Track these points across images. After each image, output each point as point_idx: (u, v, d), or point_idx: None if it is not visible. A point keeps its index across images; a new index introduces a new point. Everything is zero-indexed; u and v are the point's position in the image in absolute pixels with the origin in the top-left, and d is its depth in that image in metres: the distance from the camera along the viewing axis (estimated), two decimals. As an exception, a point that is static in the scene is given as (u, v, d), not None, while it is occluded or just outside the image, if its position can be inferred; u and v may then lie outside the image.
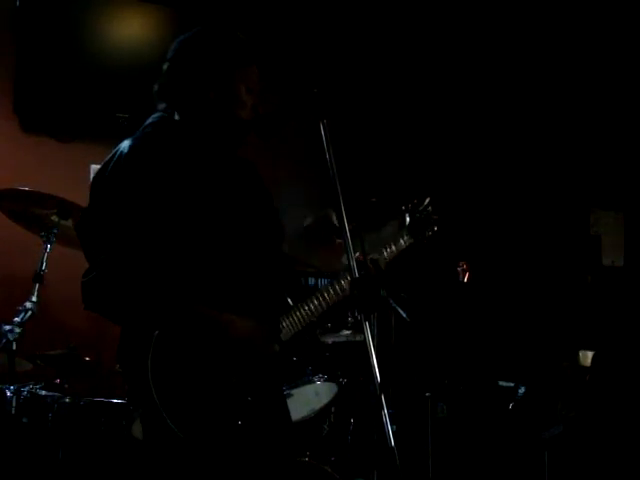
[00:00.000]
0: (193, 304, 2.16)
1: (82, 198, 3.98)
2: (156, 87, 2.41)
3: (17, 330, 3.28)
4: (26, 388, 3.25)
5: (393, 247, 2.58)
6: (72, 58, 4.36)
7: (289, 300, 2.42)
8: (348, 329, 3.75)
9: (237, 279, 2.28)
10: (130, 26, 4.55)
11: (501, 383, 4.81)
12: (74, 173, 4.45)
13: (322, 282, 4.55)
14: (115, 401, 3.25)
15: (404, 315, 3.71)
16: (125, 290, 2.11)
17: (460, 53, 5.73)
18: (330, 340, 3.80)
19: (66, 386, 3.48)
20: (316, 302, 2.41)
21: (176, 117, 2.37)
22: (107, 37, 4.47)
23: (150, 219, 2.16)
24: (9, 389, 3.20)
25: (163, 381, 2.12)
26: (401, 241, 2.59)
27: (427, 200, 2.65)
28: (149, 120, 2.39)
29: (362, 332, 2.19)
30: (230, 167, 2.41)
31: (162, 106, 2.39)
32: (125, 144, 2.24)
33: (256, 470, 2.28)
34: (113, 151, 2.25)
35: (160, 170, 2.21)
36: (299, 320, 2.39)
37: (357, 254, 2.21)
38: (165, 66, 2.39)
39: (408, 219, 2.61)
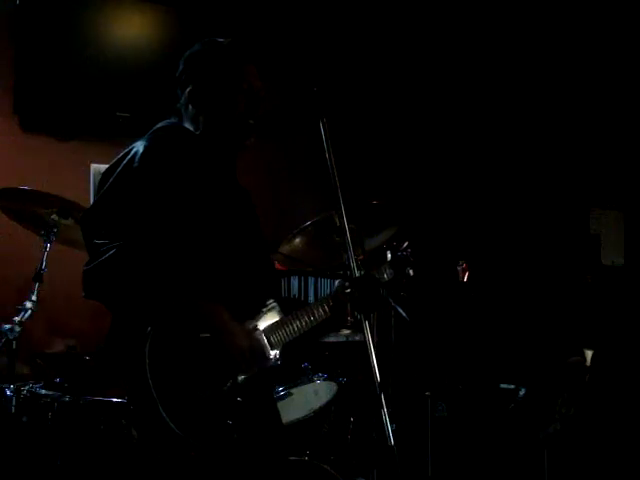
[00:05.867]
0: (189, 296, 2.21)
1: (82, 197, 4.01)
2: (166, 99, 2.54)
3: (17, 329, 3.29)
4: (26, 387, 3.25)
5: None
6: (72, 57, 4.35)
7: (277, 308, 2.46)
8: (348, 328, 3.76)
9: (225, 280, 2.35)
10: (130, 25, 4.55)
11: (502, 385, 4.81)
12: (74, 173, 4.45)
13: (322, 282, 4.56)
14: (115, 400, 3.25)
15: (404, 315, 3.71)
16: (124, 279, 2.16)
17: (460, 53, 5.74)
18: (330, 339, 3.80)
19: (66, 385, 3.48)
20: (305, 320, 2.44)
21: (185, 124, 2.47)
22: (107, 36, 4.46)
23: (153, 215, 2.24)
24: (9, 388, 3.20)
25: (160, 376, 2.14)
26: (384, 275, 2.68)
27: (406, 243, 2.76)
28: (160, 124, 2.48)
29: (362, 331, 2.20)
30: (229, 181, 2.51)
31: (173, 116, 2.51)
32: (140, 144, 2.32)
33: (245, 470, 2.30)
34: (127, 149, 2.33)
35: (169, 172, 2.30)
36: (286, 335, 2.42)
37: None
38: (173, 82, 2.51)
39: (390, 256, 2.73)
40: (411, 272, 2.71)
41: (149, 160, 2.27)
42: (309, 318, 2.44)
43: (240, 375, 2.28)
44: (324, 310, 2.46)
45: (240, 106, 2.42)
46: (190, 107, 2.45)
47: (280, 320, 2.42)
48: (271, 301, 2.45)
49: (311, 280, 4.53)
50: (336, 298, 2.46)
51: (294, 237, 3.63)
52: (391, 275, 2.68)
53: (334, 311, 2.46)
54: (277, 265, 3.72)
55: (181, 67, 2.50)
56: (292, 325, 2.42)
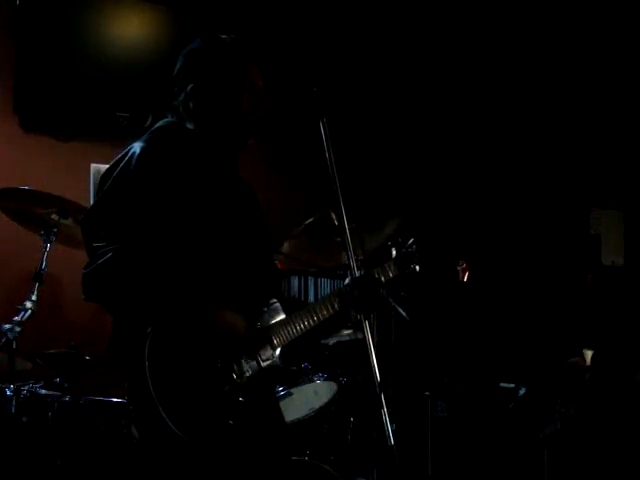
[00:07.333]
0: (187, 296, 2.20)
1: (82, 197, 4.01)
2: (162, 97, 2.50)
3: (17, 329, 3.29)
4: (26, 387, 3.25)
5: (382, 278, 2.63)
6: (72, 57, 4.35)
7: (279, 308, 2.45)
8: (348, 328, 3.76)
9: (226, 280, 2.34)
10: (130, 25, 4.55)
11: (502, 384, 4.81)
12: (74, 172, 4.46)
13: (322, 282, 4.56)
14: (115, 400, 3.25)
15: (404, 314, 3.71)
16: (122, 281, 2.15)
17: (460, 52, 5.74)
18: (330, 339, 3.80)
19: (66, 385, 3.48)
20: (308, 320, 2.42)
21: (186, 124, 2.44)
22: (107, 36, 4.46)
23: (151, 217, 2.22)
24: (9, 388, 3.20)
25: (160, 376, 2.14)
26: (389, 272, 2.65)
27: (411, 240, 2.74)
28: (159, 124, 2.45)
29: (362, 331, 2.20)
30: (230, 178, 2.49)
31: (170, 114, 2.48)
32: (137, 145, 2.30)
33: (247, 470, 2.30)
34: (125, 150, 2.31)
35: (166, 172, 2.28)
36: (289, 335, 2.40)
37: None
38: (171, 79, 2.47)
39: (394, 253, 2.70)
40: (417, 268, 2.70)
41: (146, 161, 2.26)
42: (312, 318, 2.42)
43: (241, 359, 2.26)
44: (327, 310, 2.44)
45: (244, 104, 2.40)
46: (190, 105, 2.41)
47: (283, 320, 2.41)
48: (274, 300, 2.45)
49: (311, 280, 4.53)
50: (342, 298, 2.44)
51: (293, 237, 3.63)
52: (396, 272, 2.66)
53: (341, 309, 2.43)
54: (278, 265, 3.72)
55: (180, 64, 2.46)
56: (295, 325, 2.40)
